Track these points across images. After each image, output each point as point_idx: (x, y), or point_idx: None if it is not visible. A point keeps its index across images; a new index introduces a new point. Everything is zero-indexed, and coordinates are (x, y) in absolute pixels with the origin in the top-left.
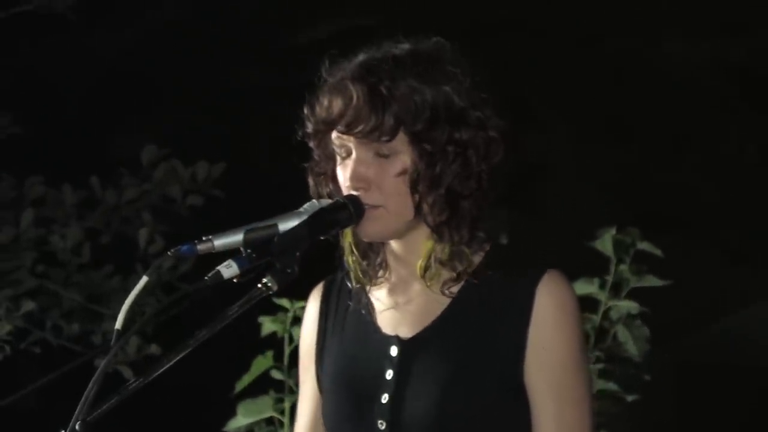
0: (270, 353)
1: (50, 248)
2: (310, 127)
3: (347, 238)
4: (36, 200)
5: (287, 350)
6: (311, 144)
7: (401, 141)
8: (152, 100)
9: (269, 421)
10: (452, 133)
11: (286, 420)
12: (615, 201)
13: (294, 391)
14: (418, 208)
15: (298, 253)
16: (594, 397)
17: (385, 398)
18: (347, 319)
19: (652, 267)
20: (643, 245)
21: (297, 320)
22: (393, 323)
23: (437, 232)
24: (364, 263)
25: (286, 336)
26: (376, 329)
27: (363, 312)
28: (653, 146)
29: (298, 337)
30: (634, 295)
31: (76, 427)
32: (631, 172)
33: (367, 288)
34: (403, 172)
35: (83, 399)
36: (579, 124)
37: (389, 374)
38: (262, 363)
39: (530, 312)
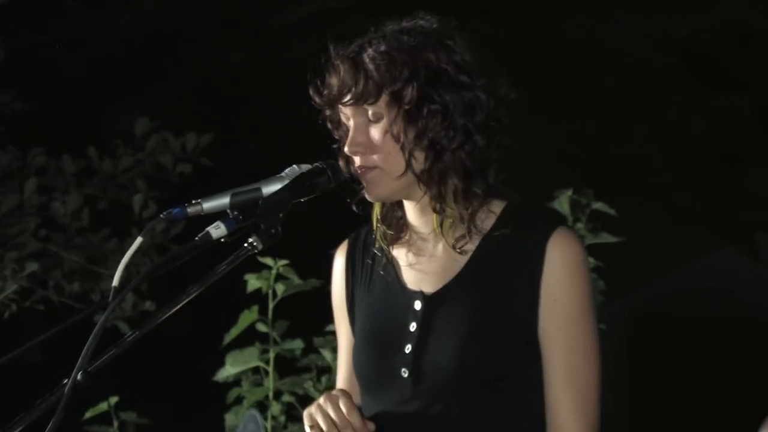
0: (255, 308)
1: (52, 214)
2: (324, 110)
3: (376, 206)
4: (38, 170)
5: (271, 305)
6: (330, 127)
7: (385, 102)
8: (144, 78)
9: (255, 370)
10: (428, 92)
11: (270, 369)
12: (572, 167)
13: (278, 343)
14: (408, 163)
15: (281, 215)
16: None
17: (408, 348)
18: (373, 275)
19: (606, 225)
20: (598, 205)
21: (280, 277)
22: (416, 280)
23: (423, 181)
24: (385, 225)
25: (270, 292)
26: (401, 285)
27: (387, 270)
28: (607, 117)
29: (281, 292)
30: (590, 251)
31: (78, 376)
32: (586, 140)
33: (391, 247)
34: (388, 131)
35: (84, 351)
36: (539, 98)
37: (413, 326)
38: (248, 317)
39: (542, 267)
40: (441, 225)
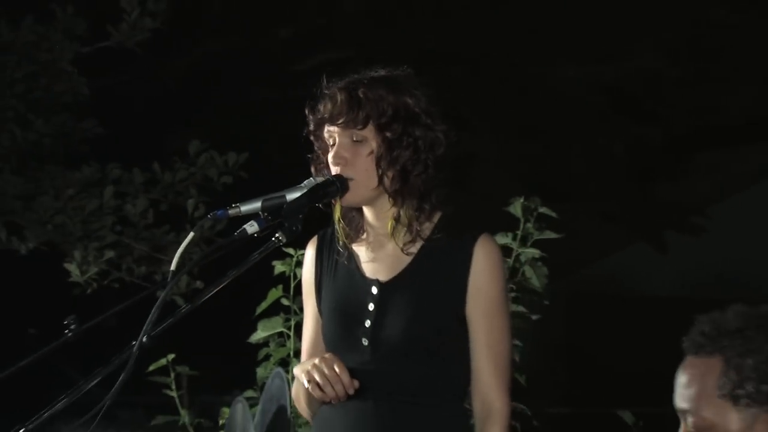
0: (280, 287)
1: (125, 214)
2: (311, 126)
3: (337, 209)
4: (114, 180)
5: (292, 284)
6: (313, 140)
7: (370, 131)
8: (195, 109)
9: (280, 334)
10: (407, 129)
11: (291, 333)
12: (523, 179)
13: (297, 313)
14: (380, 180)
15: (300, 216)
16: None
17: (368, 323)
18: (337, 266)
19: (549, 225)
20: (543, 209)
21: (299, 263)
22: (373, 270)
23: (394, 197)
24: (348, 227)
25: (291, 274)
26: (361, 274)
27: (349, 262)
28: (550, 142)
29: (301, 275)
30: (537, 244)
31: (144, 339)
32: (535, 160)
33: (351, 245)
34: (370, 153)
35: (148, 320)
36: (498, 127)
37: (371, 306)
38: (274, 294)
39: (470, 264)
40: (393, 230)
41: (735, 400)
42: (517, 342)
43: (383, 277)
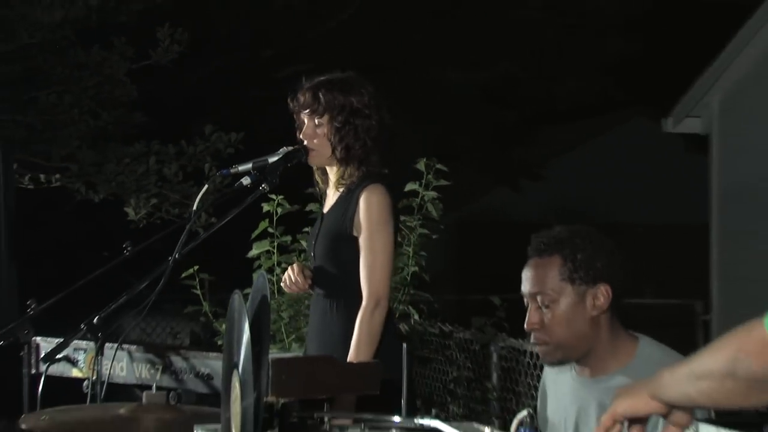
0: (266, 220)
1: (163, 174)
2: (293, 110)
3: (315, 169)
4: (156, 152)
5: (275, 219)
6: (295, 118)
7: (325, 119)
8: (210, 103)
9: (267, 251)
10: (349, 119)
11: (275, 251)
12: (427, 148)
13: (278, 237)
14: (333, 151)
15: (278, 172)
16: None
17: (315, 241)
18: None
19: (443, 176)
20: (438, 166)
21: (279, 204)
22: (326, 206)
23: (341, 162)
24: (320, 180)
25: (274, 211)
26: (323, 207)
27: (322, 201)
28: (445, 123)
29: (280, 211)
30: (435, 189)
31: (176, 256)
32: (434, 134)
33: (325, 191)
34: (325, 134)
35: (179, 243)
36: (411, 114)
37: (317, 228)
38: (263, 224)
39: (358, 201)
40: (337, 182)
41: (572, 281)
42: (422, 253)
43: (326, 210)
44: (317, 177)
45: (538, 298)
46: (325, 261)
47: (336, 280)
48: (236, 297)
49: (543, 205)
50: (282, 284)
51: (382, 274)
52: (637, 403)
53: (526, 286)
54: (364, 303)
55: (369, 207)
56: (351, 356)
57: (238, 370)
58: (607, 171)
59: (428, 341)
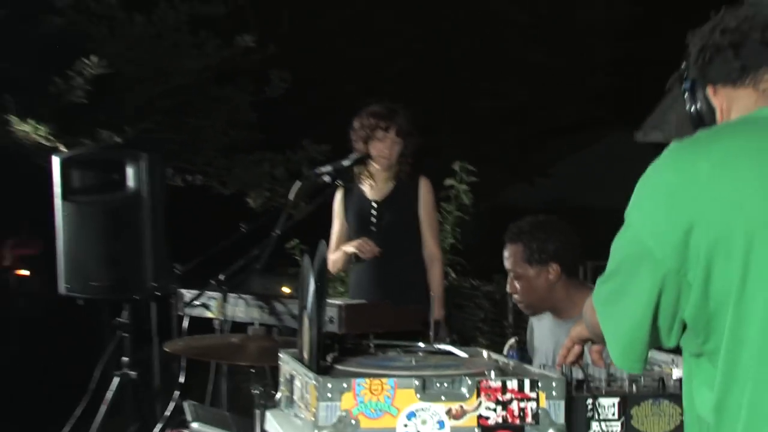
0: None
1: (274, 175)
2: (368, 125)
3: (370, 168)
4: (268, 159)
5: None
6: (360, 129)
7: (401, 139)
8: (314, 125)
9: None
10: (410, 139)
11: None
12: (462, 156)
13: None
14: (398, 159)
15: (349, 173)
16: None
17: (378, 214)
18: (354, 195)
19: (473, 174)
20: (469, 167)
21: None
22: (374, 192)
23: (400, 161)
24: (367, 174)
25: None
26: (365, 197)
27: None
28: (474, 141)
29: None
30: (467, 184)
31: (278, 231)
32: (467, 148)
33: (360, 185)
34: (399, 149)
35: (278, 222)
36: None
37: (371, 207)
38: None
39: (418, 190)
40: (393, 176)
41: (530, 263)
42: (457, 229)
43: (379, 198)
44: (363, 171)
45: (511, 273)
46: (396, 228)
47: (402, 241)
48: (306, 259)
49: (550, 195)
50: (358, 252)
51: (438, 242)
52: (581, 331)
53: (505, 264)
54: (437, 256)
55: (430, 192)
56: (436, 288)
57: (306, 310)
58: (596, 171)
59: (462, 292)
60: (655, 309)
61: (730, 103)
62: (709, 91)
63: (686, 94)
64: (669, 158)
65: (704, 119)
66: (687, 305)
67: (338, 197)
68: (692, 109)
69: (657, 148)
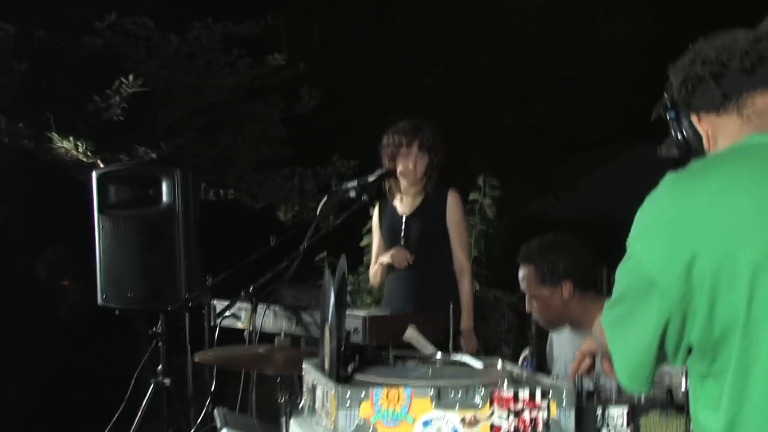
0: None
1: (303, 189)
2: (397, 142)
3: (399, 184)
4: (299, 174)
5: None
6: (390, 145)
7: (428, 154)
8: (342, 141)
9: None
10: (436, 154)
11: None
12: (490, 171)
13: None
14: (424, 174)
15: (375, 188)
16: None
17: (406, 227)
18: (387, 210)
19: (496, 189)
20: (493, 181)
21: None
22: (404, 206)
23: (426, 176)
24: (395, 188)
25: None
26: (396, 212)
27: (393, 206)
28: (503, 155)
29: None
30: (492, 198)
31: (305, 245)
32: (494, 163)
33: (393, 200)
34: (425, 164)
35: (307, 236)
36: (473, 147)
37: (402, 220)
38: (370, 222)
39: (445, 203)
40: (421, 190)
41: (543, 283)
42: (481, 241)
43: (408, 212)
44: (392, 185)
45: (527, 294)
46: (424, 241)
47: (431, 253)
48: (327, 273)
49: (576, 208)
50: (392, 261)
51: (468, 253)
52: (591, 344)
53: (521, 285)
54: (467, 267)
55: (458, 205)
56: (465, 299)
57: (327, 322)
58: (620, 184)
59: (487, 303)
60: (661, 335)
61: (716, 129)
62: (694, 119)
63: (672, 123)
64: (667, 189)
65: (692, 146)
66: (693, 330)
67: (375, 213)
68: (679, 137)
69: (678, 163)
